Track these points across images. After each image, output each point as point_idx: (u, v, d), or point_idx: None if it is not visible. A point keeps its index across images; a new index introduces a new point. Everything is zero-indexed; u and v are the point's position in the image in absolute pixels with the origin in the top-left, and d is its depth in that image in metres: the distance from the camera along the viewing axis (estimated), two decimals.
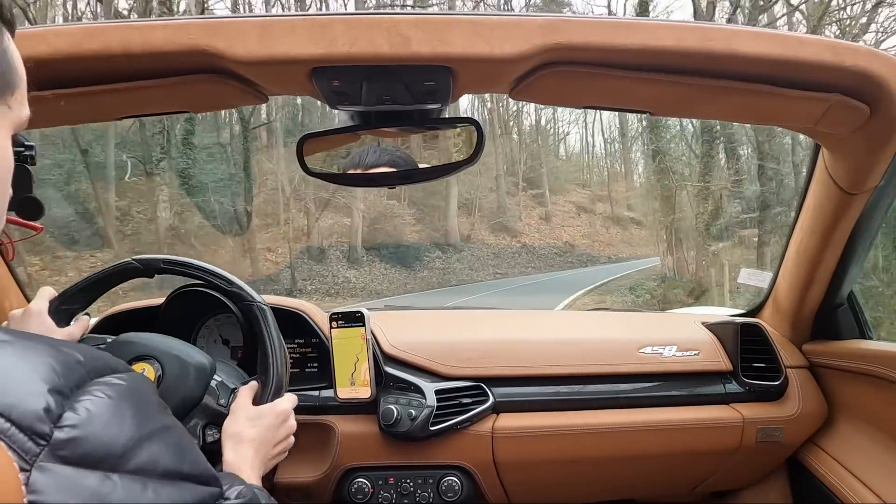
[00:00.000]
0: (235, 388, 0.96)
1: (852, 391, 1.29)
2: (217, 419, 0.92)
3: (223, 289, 1.02)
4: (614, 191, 31.91)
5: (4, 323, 0.98)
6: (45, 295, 1.01)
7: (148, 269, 1.03)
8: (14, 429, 0.37)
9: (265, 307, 1.00)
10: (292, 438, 0.96)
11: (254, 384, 0.96)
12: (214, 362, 0.98)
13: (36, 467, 0.36)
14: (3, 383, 0.38)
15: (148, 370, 0.92)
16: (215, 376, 0.96)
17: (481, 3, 21.57)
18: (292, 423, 0.95)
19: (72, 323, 1.03)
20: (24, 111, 0.51)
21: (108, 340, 1.00)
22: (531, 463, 1.29)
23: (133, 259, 1.03)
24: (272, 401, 0.95)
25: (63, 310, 1.02)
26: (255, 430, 0.88)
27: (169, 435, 0.46)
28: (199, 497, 0.47)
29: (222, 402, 0.94)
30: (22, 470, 0.36)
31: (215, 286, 1.04)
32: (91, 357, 0.45)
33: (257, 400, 0.95)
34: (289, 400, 0.96)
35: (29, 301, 1.35)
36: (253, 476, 0.83)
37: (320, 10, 18.34)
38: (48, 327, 0.96)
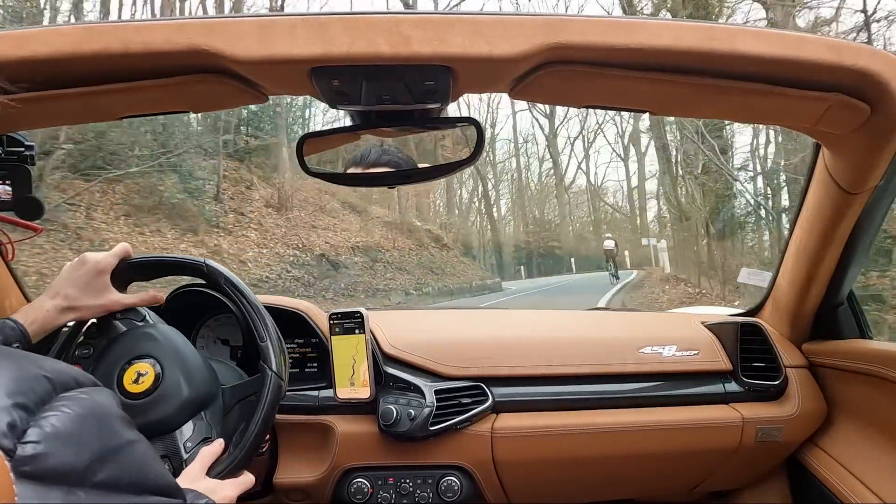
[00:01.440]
0: (207, 439, 0.94)
1: (852, 391, 1.29)
2: (175, 458, 0.90)
3: (255, 339, 1.00)
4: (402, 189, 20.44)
5: (76, 260, 0.98)
6: (120, 252, 1.01)
7: (210, 277, 1.03)
8: None
9: (281, 383, 0.98)
10: None
11: (219, 443, 0.92)
12: (217, 391, 0.98)
13: None
14: None
15: (150, 372, 0.92)
16: (203, 413, 0.95)
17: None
18: None
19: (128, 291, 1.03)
20: None
21: (140, 322, 1.01)
22: (531, 463, 1.29)
23: (205, 262, 1.04)
24: (228, 473, 0.91)
25: (125, 274, 1.02)
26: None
27: (133, 449, 0.46)
28: None
29: (189, 444, 0.92)
30: None
31: (249, 330, 1.01)
32: (57, 371, 0.45)
33: (215, 464, 0.90)
34: (237, 486, 0.90)
35: (29, 301, 1.35)
36: None
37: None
38: (103, 285, 0.97)
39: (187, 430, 0.93)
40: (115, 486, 0.42)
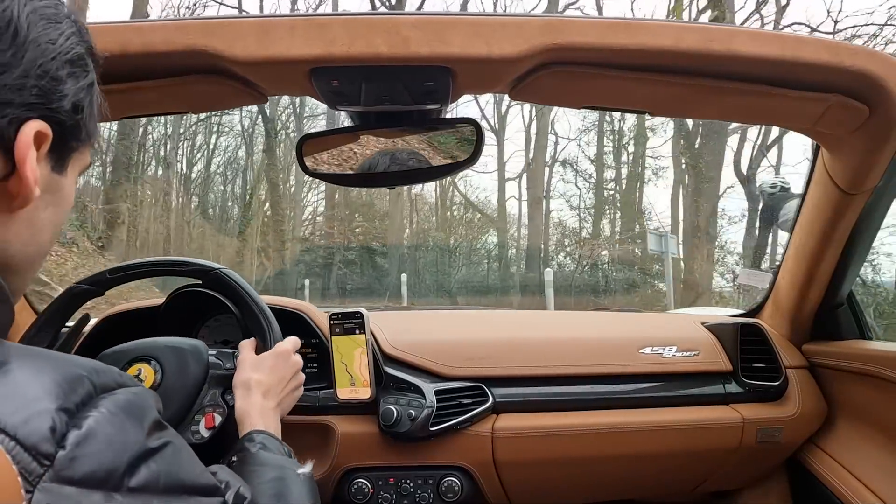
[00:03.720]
0: (235, 350, 0.98)
1: (852, 391, 1.29)
2: (219, 405, 0.94)
3: (183, 271, 1.03)
4: None
5: None
6: None
7: (96, 285, 1.03)
8: (19, 448, 0.36)
9: (229, 270, 1.02)
10: (302, 376, 0.98)
11: (253, 339, 0.97)
12: (204, 343, 1.00)
13: (39, 489, 0.36)
14: (10, 402, 0.38)
15: (146, 370, 0.92)
16: (210, 352, 0.98)
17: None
18: (296, 359, 0.96)
19: None
20: (89, 157, 0.56)
21: None
22: (531, 463, 1.29)
23: (75, 284, 1.03)
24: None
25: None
26: (260, 375, 0.90)
27: (169, 450, 0.46)
28: None
29: (229, 366, 0.96)
30: (26, 491, 0.36)
31: (174, 273, 1.04)
32: (99, 372, 0.45)
33: (259, 351, 0.96)
34: (289, 342, 0.97)
35: (30, 302, 1.35)
36: (263, 421, 0.85)
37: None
38: None
39: (215, 368, 0.95)
40: (151, 488, 0.42)
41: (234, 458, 0.78)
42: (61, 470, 0.37)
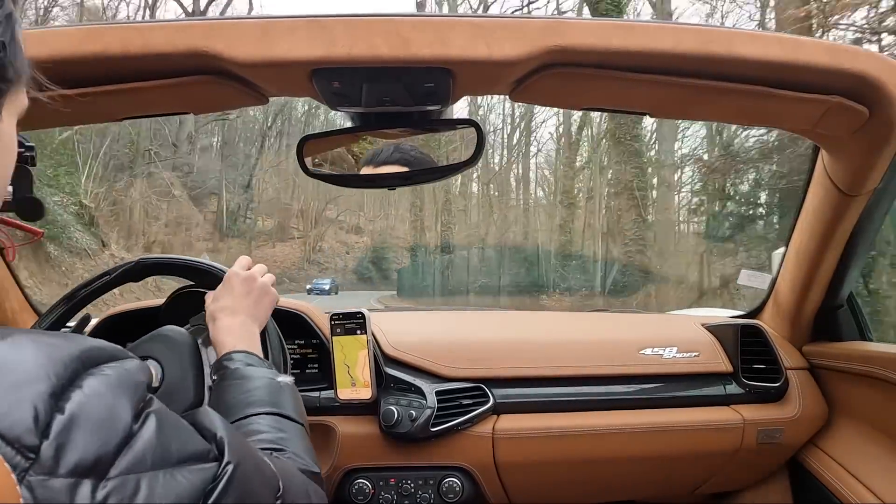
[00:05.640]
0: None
1: (852, 393, 1.29)
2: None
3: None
4: None
5: None
6: None
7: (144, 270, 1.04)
8: (1, 442, 0.34)
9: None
10: (264, 282, 0.93)
11: (211, 293, 0.97)
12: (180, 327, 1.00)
13: (25, 483, 0.34)
14: None
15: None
16: (186, 326, 0.98)
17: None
18: (250, 274, 0.93)
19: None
20: (26, 98, 0.52)
21: None
22: (532, 464, 1.29)
23: (140, 258, 1.05)
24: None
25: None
26: (219, 303, 0.89)
27: (154, 425, 0.43)
28: (201, 475, 0.45)
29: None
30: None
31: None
32: (87, 347, 0.42)
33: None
34: (236, 264, 0.95)
35: (30, 302, 1.36)
36: (232, 339, 0.84)
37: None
38: None
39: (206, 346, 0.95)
40: (139, 468, 0.40)
41: (215, 377, 0.79)
42: (47, 462, 0.35)
